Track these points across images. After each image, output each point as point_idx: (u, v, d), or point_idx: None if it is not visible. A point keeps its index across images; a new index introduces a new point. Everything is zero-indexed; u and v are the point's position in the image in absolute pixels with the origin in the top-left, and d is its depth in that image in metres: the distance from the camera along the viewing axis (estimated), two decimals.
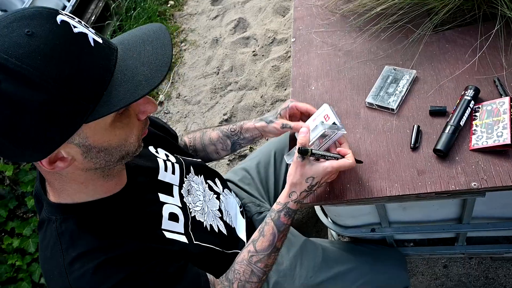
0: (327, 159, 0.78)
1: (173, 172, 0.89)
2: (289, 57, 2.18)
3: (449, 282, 1.23)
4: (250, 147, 1.90)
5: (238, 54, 2.33)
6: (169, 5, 2.95)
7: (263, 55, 2.25)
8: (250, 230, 1.02)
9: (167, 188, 0.85)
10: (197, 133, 1.09)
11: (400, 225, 1.04)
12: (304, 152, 0.75)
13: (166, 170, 0.87)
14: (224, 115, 2.08)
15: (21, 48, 0.49)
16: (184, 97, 2.31)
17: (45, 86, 0.50)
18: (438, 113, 0.86)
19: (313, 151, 0.76)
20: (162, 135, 0.99)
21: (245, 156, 1.90)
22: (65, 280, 0.64)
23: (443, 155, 0.79)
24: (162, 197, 0.82)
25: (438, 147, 0.79)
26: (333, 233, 1.28)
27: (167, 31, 0.60)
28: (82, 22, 0.56)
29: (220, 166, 1.94)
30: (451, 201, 0.92)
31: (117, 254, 0.66)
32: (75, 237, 0.66)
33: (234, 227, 0.99)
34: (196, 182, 0.95)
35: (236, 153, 1.89)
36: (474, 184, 0.74)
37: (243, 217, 1.06)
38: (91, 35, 0.55)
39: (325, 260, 1.05)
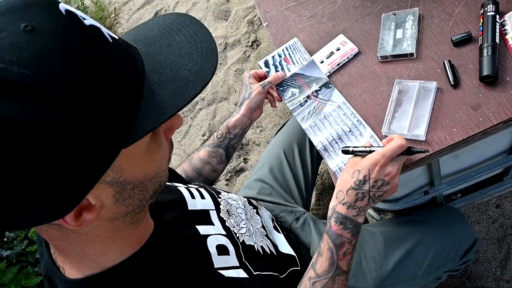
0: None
1: (202, 197, 0.73)
2: (248, 57, 2.07)
3: (507, 220, 1.15)
4: (244, 159, 1.75)
5: None
6: None
7: (220, 63, 2.12)
8: (291, 243, 0.88)
9: (204, 216, 0.69)
10: (183, 164, 0.95)
11: (453, 176, 0.94)
12: (345, 152, 0.71)
13: (193, 197, 0.71)
14: (203, 136, 1.92)
15: (22, 51, 0.33)
16: None
17: (63, 101, 0.34)
18: (463, 41, 0.77)
19: (354, 149, 0.70)
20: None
21: (241, 170, 1.74)
22: None
23: (493, 79, 0.70)
24: (201, 229, 0.66)
25: (485, 73, 0.70)
26: (374, 214, 1.17)
27: (193, 17, 0.45)
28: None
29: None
30: (505, 131, 0.83)
31: None
32: None
33: (276, 244, 0.84)
34: (233, 198, 0.79)
35: (231, 170, 1.73)
36: None
37: (279, 232, 0.92)
38: (104, 29, 0.40)
39: (387, 244, 0.92)
